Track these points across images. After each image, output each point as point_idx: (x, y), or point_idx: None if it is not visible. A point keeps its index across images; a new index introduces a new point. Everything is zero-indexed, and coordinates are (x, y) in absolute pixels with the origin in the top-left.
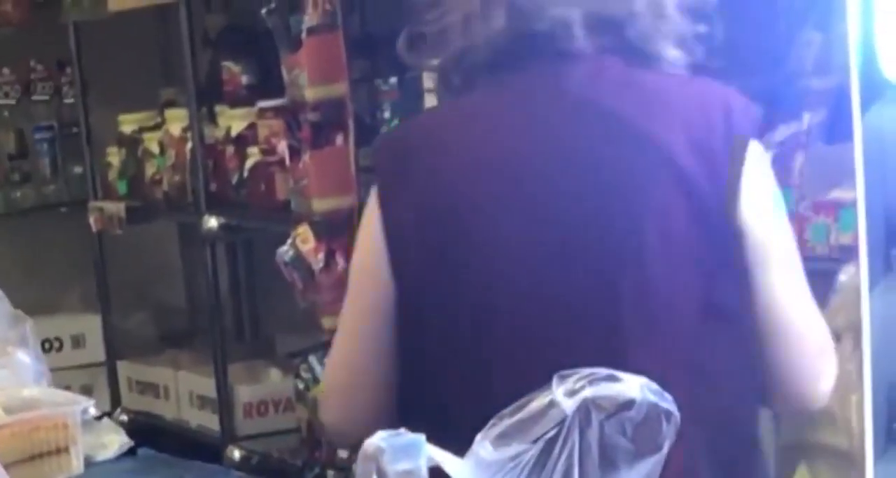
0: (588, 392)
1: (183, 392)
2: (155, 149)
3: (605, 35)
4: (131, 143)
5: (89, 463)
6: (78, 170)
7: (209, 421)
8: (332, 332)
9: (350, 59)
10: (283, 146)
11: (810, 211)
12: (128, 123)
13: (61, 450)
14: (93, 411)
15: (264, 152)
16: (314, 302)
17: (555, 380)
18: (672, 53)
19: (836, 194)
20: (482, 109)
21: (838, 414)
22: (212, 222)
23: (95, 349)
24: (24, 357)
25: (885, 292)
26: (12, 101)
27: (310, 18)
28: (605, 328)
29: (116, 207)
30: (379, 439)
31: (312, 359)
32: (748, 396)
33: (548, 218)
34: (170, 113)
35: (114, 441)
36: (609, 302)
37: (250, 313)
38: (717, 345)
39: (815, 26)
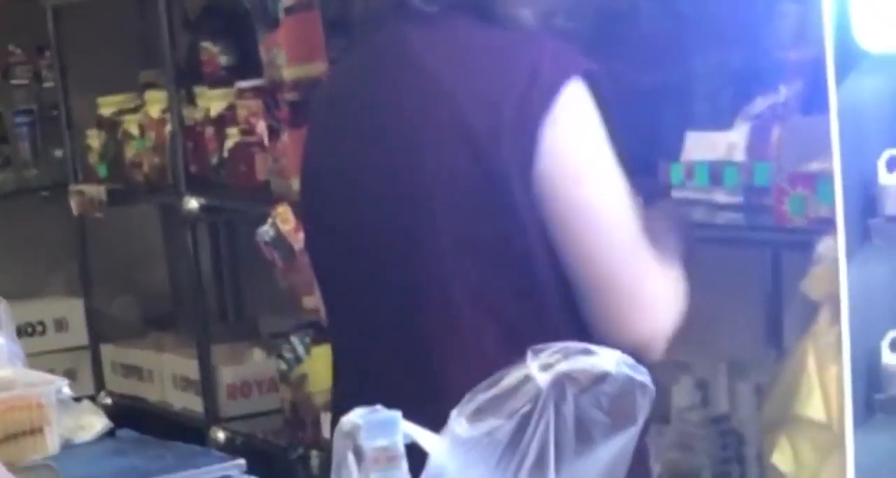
0: (563, 366)
1: (166, 375)
2: (135, 131)
3: None
4: (111, 125)
5: (68, 445)
6: (58, 153)
7: (193, 403)
8: (313, 312)
9: (328, 38)
10: (262, 126)
11: (788, 183)
12: (107, 106)
13: (36, 430)
14: (67, 391)
15: (244, 133)
16: (294, 282)
17: (529, 354)
18: (520, 12)
19: (815, 166)
20: (348, 71)
21: (818, 386)
22: (192, 204)
23: (78, 333)
24: None
25: (863, 263)
26: None
27: None
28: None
29: (97, 190)
30: (356, 416)
31: (295, 339)
32: None
33: (362, 186)
34: (149, 95)
35: (93, 423)
36: (402, 260)
37: (233, 295)
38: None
39: None
